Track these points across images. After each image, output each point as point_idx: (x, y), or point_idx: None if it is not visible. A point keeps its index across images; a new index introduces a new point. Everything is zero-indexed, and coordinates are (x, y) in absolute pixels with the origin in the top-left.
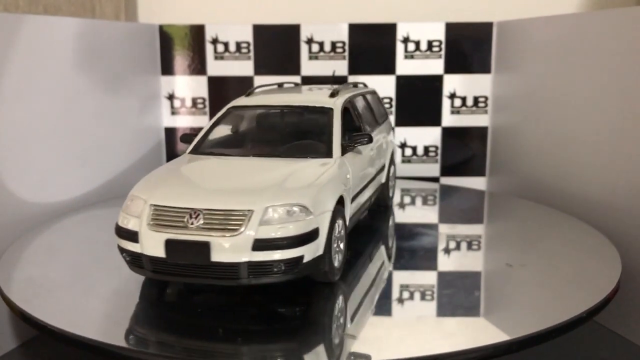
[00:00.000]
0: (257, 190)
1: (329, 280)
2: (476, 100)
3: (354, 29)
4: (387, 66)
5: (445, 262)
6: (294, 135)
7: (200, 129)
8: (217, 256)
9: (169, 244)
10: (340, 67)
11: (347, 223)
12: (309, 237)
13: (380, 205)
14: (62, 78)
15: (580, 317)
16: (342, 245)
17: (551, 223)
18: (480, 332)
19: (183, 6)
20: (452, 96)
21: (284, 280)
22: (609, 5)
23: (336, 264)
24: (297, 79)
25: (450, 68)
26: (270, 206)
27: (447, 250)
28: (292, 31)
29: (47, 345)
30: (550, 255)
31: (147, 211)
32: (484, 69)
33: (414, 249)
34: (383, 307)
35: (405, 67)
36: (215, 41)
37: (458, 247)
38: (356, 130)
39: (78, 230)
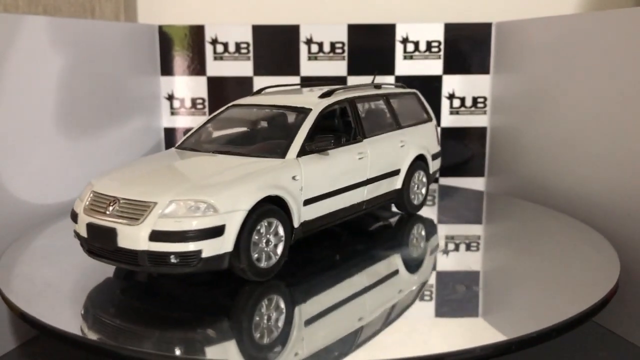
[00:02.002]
0: (173, 184)
1: (250, 278)
2: (475, 100)
3: (353, 29)
4: (386, 67)
5: (444, 263)
6: (266, 134)
7: None
8: (121, 242)
9: (89, 227)
10: (339, 67)
11: (296, 224)
12: (210, 233)
13: (402, 212)
14: (61, 78)
15: (580, 317)
16: (279, 247)
17: (550, 223)
18: (479, 332)
19: (183, 6)
20: (451, 97)
21: (186, 272)
22: (608, 6)
23: (262, 264)
24: (296, 79)
25: (449, 68)
26: (174, 200)
27: (445, 251)
28: (292, 32)
29: (47, 345)
30: (549, 256)
31: (87, 197)
32: (483, 69)
33: (413, 250)
34: (381, 307)
35: (404, 67)
36: (214, 42)
37: (457, 248)
38: (352, 132)
39: None
